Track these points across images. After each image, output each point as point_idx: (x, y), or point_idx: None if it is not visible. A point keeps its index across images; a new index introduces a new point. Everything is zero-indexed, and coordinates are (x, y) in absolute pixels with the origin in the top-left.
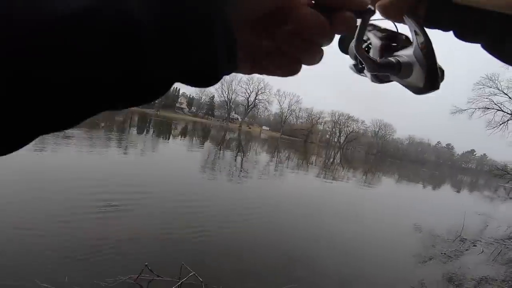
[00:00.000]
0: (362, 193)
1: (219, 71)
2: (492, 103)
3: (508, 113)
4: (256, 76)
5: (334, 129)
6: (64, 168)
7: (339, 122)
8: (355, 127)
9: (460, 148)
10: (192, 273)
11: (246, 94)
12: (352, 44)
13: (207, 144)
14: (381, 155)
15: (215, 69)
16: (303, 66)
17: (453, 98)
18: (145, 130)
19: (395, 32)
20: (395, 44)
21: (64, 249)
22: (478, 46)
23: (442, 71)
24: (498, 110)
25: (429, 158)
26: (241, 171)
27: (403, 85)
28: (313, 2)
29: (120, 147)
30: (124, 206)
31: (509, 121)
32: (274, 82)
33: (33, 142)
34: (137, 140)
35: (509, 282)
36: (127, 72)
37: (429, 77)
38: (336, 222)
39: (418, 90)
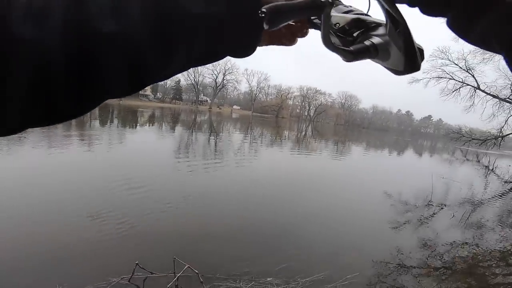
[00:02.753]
0: (335, 164)
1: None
2: (445, 72)
3: (459, 81)
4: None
5: (303, 103)
6: (27, 170)
7: (307, 96)
8: (323, 100)
9: (418, 115)
10: (186, 266)
11: (213, 75)
12: (321, 38)
13: (178, 128)
14: (349, 125)
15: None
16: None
17: None
18: (109, 121)
19: (361, 13)
20: (367, 23)
21: (43, 256)
22: (431, 21)
23: (421, 50)
24: (451, 79)
25: (391, 125)
26: (215, 153)
27: (383, 66)
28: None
29: (83, 143)
30: (100, 207)
31: (461, 88)
32: (240, 62)
33: None
34: (101, 133)
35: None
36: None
37: (408, 59)
38: (313, 195)
39: (398, 73)
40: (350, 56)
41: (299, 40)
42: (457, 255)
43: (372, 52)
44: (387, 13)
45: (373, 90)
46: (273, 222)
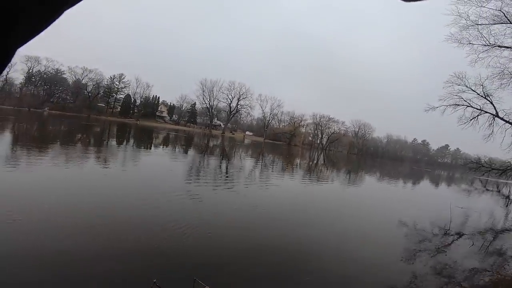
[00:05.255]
0: (348, 192)
1: None
2: (462, 99)
3: (477, 109)
4: (237, 81)
5: (316, 131)
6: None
7: (320, 123)
8: (336, 128)
9: (435, 144)
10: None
11: (228, 100)
12: None
13: (191, 152)
14: (362, 154)
15: None
16: (287, 68)
17: (424, 97)
18: (125, 141)
19: None
20: None
21: (60, 272)
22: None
23: None
24: (468, 106)
25: (407, 154)
26: (226, 177)
27: None
28: None
29: (99, 161)
30: (107, 226)
31: (479, 116)
32: (255, 87)
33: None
34: (116, 153)
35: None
36: None
37: None
38: (326, 223)
39: None
40: None
41: (316, 67)
42: (476, 282)
43: None
44: None
45: (387, 118)
46: (285, 248)
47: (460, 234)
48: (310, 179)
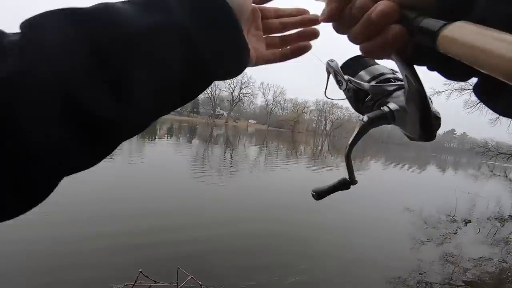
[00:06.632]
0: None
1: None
2: (467, 83)
3: None
4: None
5: (319, 118)
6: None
7: (324, 110)
8: (339, 114)
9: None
10: (189, 277)
11: (230, 89)
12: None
13: (195, 142)
14: (367, 140)
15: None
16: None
17: (429, 81)
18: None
19: (382, 74)
20: (385, 90)
21: (45, 261)
22: None
23: (438, 118)
24: None
25: None
26: (231, 166)
27: (400, 130)
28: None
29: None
30: (109, 216)
31: None
32: (257, 75)
33: None
34: (121, 144)
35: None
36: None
37: (422, 128)
38: (331, 210)
39: (413, 139)
40: (367, 125)
41: (315, 53)
42: (483, 271)
43: (389, 119)
44: (405, 77)
45: None
46: (284, 235)
47: (466, 221)
48: (314, 166)
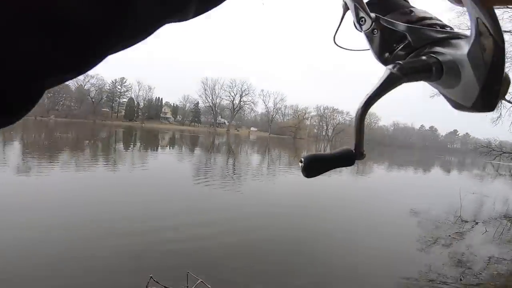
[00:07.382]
0: (357, 183)
1: None
2: None
3: None
4: (239, 79)
5: (321, 123)
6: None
7: (325, 115)
8: (340, 119)
9: (443, 130)
10: (199, 281)
11: (231, 97)
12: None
13: (197, 151)
14: (369, 144)
15: None
16: (283, 59)
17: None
18: (132, 144)
19: (429, 17)
20: (434, 31)
21: (56, 269)
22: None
23: (508, 82)
24: None
25: (415, 141)
26: (234, 174)
27: (442, 93)
28: None
29: (107, 165)
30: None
31: None
32: (257, 83)
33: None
34: (125, 156)
35: None
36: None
37: (483, 94)
38: (336, 214)
39: (461, 107)
40: (399, 74)
41: (311, 56)
42: (493, 272)
43: (432, 74)
44: (476, 20)
45: (392, 106)
46: (292, 240)
47: (473, 221)
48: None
